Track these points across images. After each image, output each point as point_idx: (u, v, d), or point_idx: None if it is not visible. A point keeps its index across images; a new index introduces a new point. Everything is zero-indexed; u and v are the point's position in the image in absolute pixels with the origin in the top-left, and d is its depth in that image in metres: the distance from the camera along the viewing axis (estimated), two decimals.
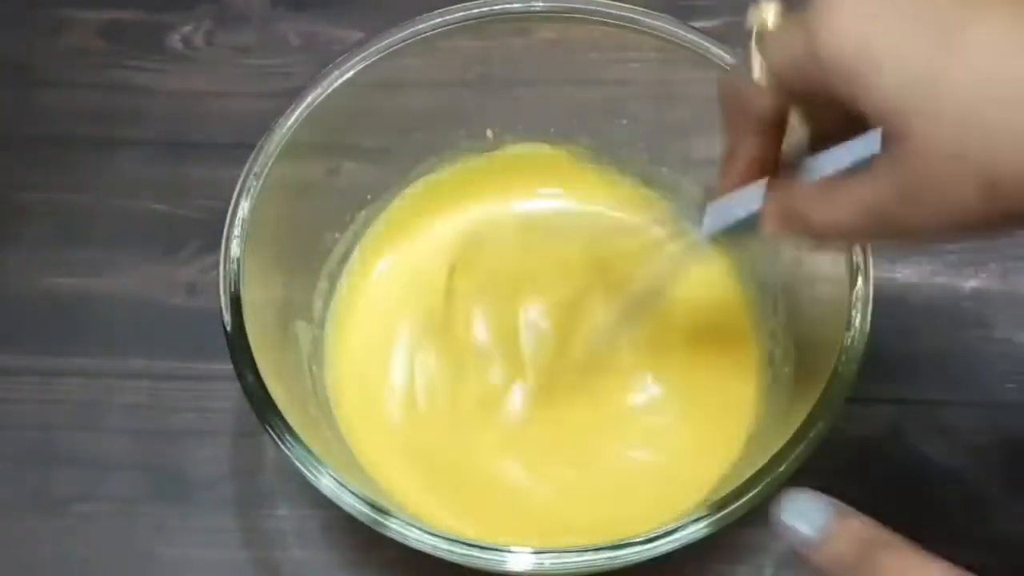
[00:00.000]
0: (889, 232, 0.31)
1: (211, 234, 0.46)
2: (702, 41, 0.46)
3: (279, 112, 0.46)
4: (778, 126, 0.35)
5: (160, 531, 0.50)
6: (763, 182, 0.36)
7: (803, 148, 0.36)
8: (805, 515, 0.33)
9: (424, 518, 0.41)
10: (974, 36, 0.28)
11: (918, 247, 0.31)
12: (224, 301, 0.42)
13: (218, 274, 0.42)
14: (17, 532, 0.50)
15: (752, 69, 0.33)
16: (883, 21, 0.29)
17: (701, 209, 0.39)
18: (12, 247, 0.57)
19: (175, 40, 0.63)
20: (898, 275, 0.55)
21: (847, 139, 0.33)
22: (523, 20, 0.48)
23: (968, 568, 0.32)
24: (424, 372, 0.49)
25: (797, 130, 0.36)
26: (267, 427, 0.40)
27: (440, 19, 0.48)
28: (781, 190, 0.36)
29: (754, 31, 0.34)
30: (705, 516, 0.38)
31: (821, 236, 0.34)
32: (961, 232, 0.30)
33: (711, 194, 0.39)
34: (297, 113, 0.46)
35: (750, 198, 0.37)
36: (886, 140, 0.30)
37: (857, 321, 0.41)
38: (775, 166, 0.36)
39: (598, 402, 0.48)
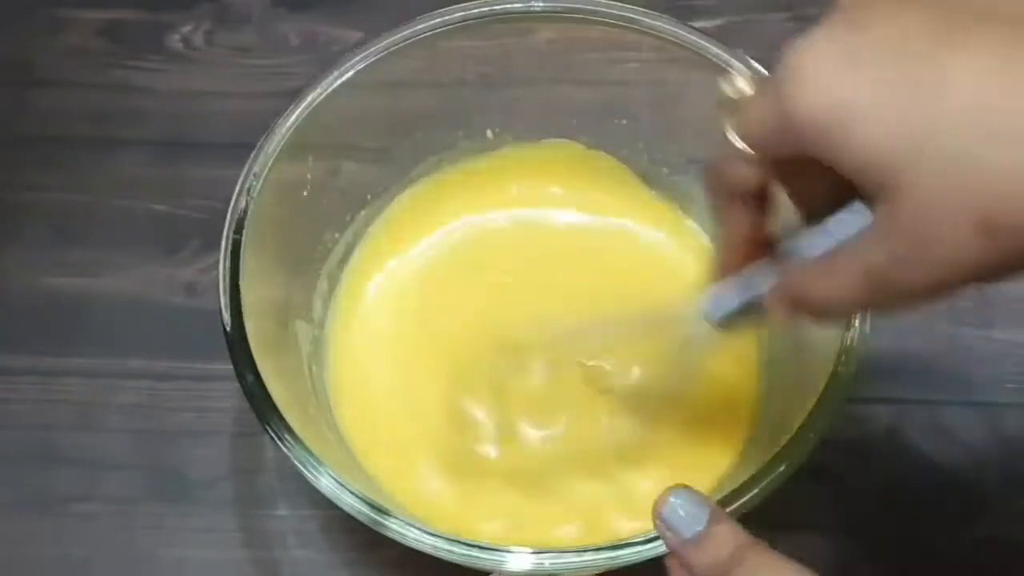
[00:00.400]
0: (890, 296, 0.30)
1: (211, 234, 0.46)
2: (702, 41, 0.46)
3: (279, 112, 0.46)
4: (766, 203, 0.34)
5: (160, 531, 0.50)
6: (759, 264, 0.36)
7: (794, 228, 0.35)
8: (684, 516, 0.35)
9: (424, 518, 0.41)
10: (956, 74, 0.26)
11: (920, 307, 0.30)
12: (224, 301, 0.42)
13: (218, 274, 0.42)
14: (17, 532, 0.50)
15: (730, 144, 0.33)
16: (854, 72, 0.28)
17: (703, 296, 0.38)
18: (12, 247, 0.57)
19: (175, 40, 0.63)
20: None
21: (837, 210, 0.32)
22: (523, 20, 0.48)
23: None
24: (424, 373, 0.49)
25: (787, 210, 0.35)
26: (267, 427, 0.40)
27: (440, 19, 0.48)
28: (778, 272, 0.35)
29: (726, 104, 0.33)
30: None
31: (823, 313, 0.33)
32: (962, 282, 0.28)
33: (709, 280, 0.38)
34: (297, 113, 0.46)
35: (749, 282, 0.36)
36: (873, 201, 0.29)
37: (857, 321, 0.41)
38: (767, 244, 0.35)
39: (598, 402, 0.47)
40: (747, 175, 0.33)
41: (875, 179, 0.28)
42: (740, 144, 0.32)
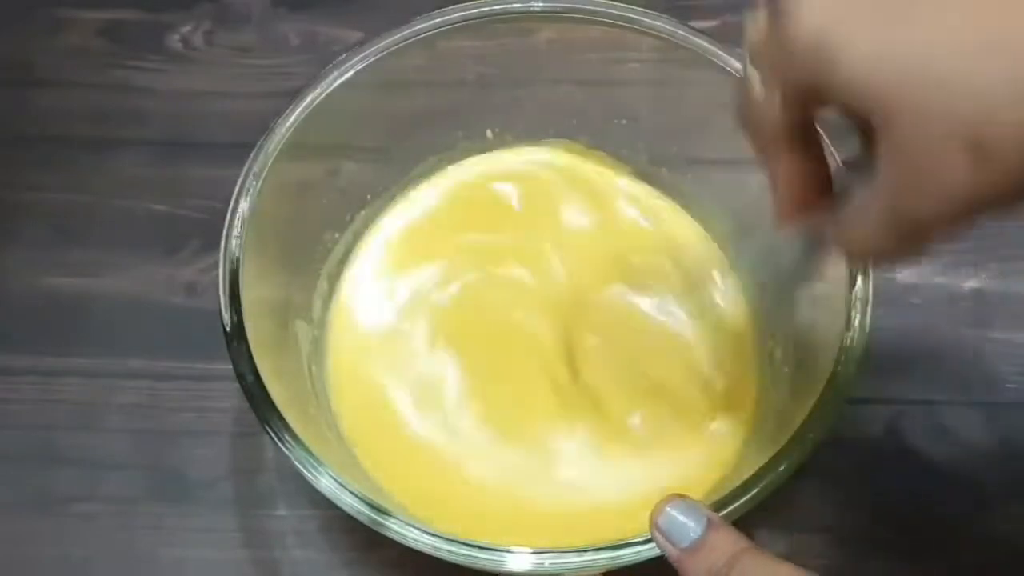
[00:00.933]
0: (909, 232, 0.30)
1: (211, 234, 0.46)
2: (702, 41, 0.46)
3: (279, 112, 0.46)
4: (804, 138, 0.33)
5: (160, 531, 0.50)
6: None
7: (851, 160, 0.34)
8: (681, 525, 0.35)
9: (423, 518, 0.41)
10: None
11: (950, 238, 0.29)
12: (224, 301, 0.42)
13: (218, 274, 0.42)
14: (17, 532, 0.50)
15: (755, 84, 0.33)
16: (844, 1, 0.28)
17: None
18: (12, 247, 0.57)
19: (175, 40, 0.63)
20: (898, 275, 0.55)
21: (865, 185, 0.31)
22: (523, 20, 0.48)
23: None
24: (423, 372, 0.49)
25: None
26: (266, 427, 0.40)
27: (440, 19, 0.48)
28: (823, 221, 0.34)
29: (747, 48, 0.33)
30: None
31: (870, 261, 0.33)
32: (967, 212, 0.28)
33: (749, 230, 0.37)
34: (297, 113, 0.46)
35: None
36: (875, 132, 0.29)
37: (857, 321, 0.41)
38: (826, 180, 0.35)
39: (597, 403, 0.47)
40: (772, 117, 0.33)
41: (866, 106, 0.28)
42: (755, 82, 0.32)
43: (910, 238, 0.30)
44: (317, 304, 0.50)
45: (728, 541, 0.35)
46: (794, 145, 0.33)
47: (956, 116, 0.27)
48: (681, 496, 0.36)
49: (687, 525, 0.35)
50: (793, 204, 0.35)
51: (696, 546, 0.35)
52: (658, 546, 0.36)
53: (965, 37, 0.26)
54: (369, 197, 0.52)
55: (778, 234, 0.36)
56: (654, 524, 0.36)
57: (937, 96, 0.27)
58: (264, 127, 0.46)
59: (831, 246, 0.35)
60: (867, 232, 0.31)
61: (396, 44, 0.47)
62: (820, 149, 0.34)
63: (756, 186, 0.48)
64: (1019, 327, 0.54)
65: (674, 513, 0.36)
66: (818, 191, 0.34)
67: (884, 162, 0.29)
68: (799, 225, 0.35)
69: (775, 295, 0.39)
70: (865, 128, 0.30)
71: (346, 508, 0.39)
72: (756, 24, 0.32)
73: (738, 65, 0.45)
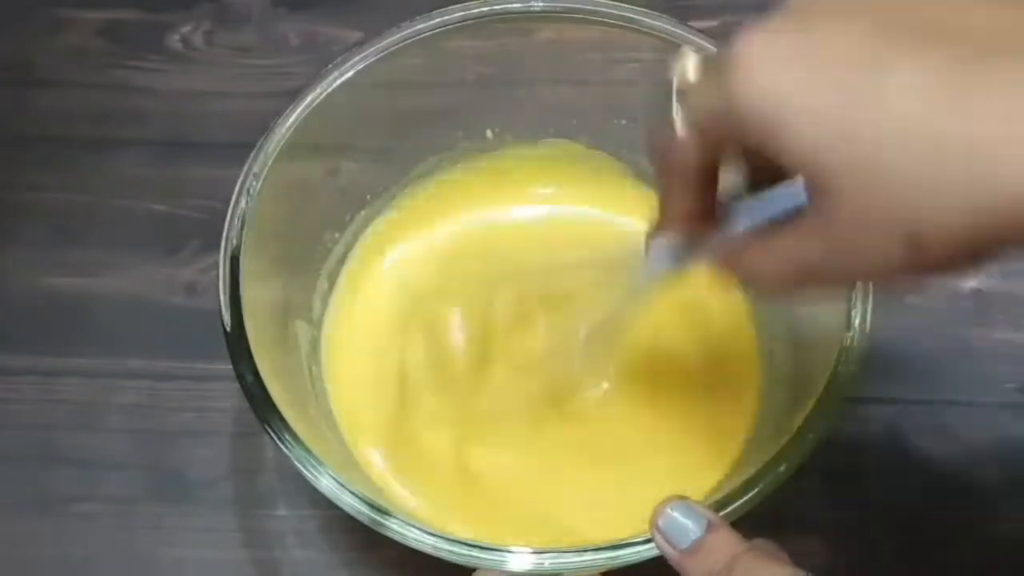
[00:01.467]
0: (817, 282, 0.31)
1: (211, 234, 0.46)
2: (702, 41, 0.46)
3: (279, 112, 0.46)
4: (708, 178, 0.34)
5: (160, 531, 0.50)
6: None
7: (736, 191, 0.35)
8: (681, 526, 0.35)
9: (423, 518, 0.41)
10: (897, 81, 0.26)
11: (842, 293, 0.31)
12: (224, 301, 0.42)
13: (218, 274, 0.42)
14: (17, 532, 0.50)
15: (677, 122, 0.33)
16: (798, 69, 0.27)
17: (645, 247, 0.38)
18: (12, 247, 0.57)
19: (175, 40, 0.63)
20: None
21: (778, 183, 0.33)
22: (523, 20, 0.48)
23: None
24: (423, 373, 0.49)
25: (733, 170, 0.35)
26: (267, 427, 0.40)
27: (440, 19, 0.48)
28: (716, 237, 0.35)
29: (675, 83, 0.33)
30: None
31: (750, 285, 0.34)
32: (888, 283, 0.29)
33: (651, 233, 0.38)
34: (297, 113, 0.46)
35: (689, 242, 0.36)
36: (811, 192, 0.29)
37: (857, 321, 0.41)
38: (710, 214, 0.35)
39: (598, 404, 0.47)
40: (692, 158, 0.33)
41: (810, 178, 0.28)
42: (684, 125, 0.32)
43: (813, 285, 0.31)
44: (317, 304, 0.50)
45: (728, 543, 0.35)
46: (696, 184, 0.34)
47: (898, 211, 0.27)
48: (682, 498, 0.36)
49: (687, 526, 0.35)
50: (677, 225, 0.35)
51: (695, 548, 0.35)
52: (658, 547, 0.36)
53: (922, 130, 0.26)
54: (369, 197, 0.52)
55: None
56: (654, 525, 0.36)
57: (883, 187, 0.27)
58: (264, 127, 0.46)
59: (708, 259, 0.35)
60: (764, 266, 0.32)
61: (396, 44, 0.47)
62: (716, 187, 0.34)
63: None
64: (1019, 327, 0.54)
65: (674, 514, 0.36)
66: (704, 220, 0.35)
67: (816, 225, 0.29)
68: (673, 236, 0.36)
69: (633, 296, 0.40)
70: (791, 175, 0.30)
71: (346, 508, 0.39)
72: (690, 65, 0.32)
73: (689, 46, 0.45)
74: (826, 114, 0.27)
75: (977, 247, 0.26)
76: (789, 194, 0.32)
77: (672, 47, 0.47)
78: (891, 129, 0.26)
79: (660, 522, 0.36)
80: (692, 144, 0.32)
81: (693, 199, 0.34)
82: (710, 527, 0.35)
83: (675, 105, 0.33)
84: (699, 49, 0.44)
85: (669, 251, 0.37)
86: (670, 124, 0.32)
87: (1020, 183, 0.25)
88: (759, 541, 0.36)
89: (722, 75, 0.29)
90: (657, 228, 0.37)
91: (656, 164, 0.35)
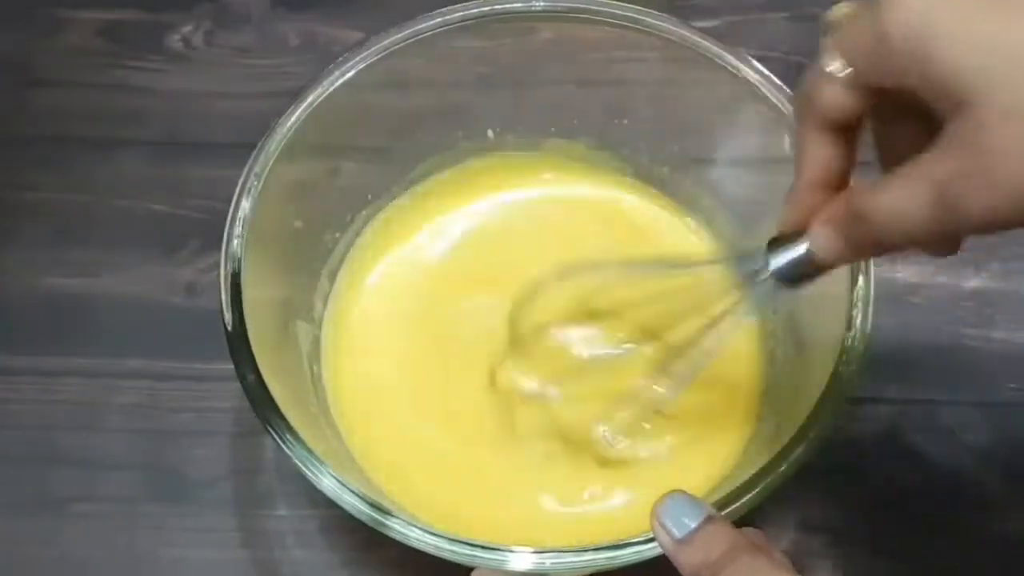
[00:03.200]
0: (948, 214, 0.30)
1: (211, 234, 0.46)
2: (703, 41, 0.46)
3: (279, 112, 0.46)
4: (853, 131, 0.34)
5: (160, 531, 0.50)
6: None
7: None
8: (679, 517, 0.36)
9: (423, 518, 0.41)
10: None
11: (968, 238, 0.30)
12: (224, 301, 0.42)
13: (218, 274, 0.42)
14: (17, 532, 0.50)
15: (826, 68, 0.33)
16: None
17: (760, 252, 0.37)
18: (12, 247, 0.57)
19: (175, 40, 0.63)
20: (898, 275, 0.55)
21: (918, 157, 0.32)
22: (523, 20, 0.48)
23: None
24: (423, 372, 0.49)
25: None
26: (268, 427, 0.40)
27: (440, 19, 0.48)
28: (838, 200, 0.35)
29: (828, 27, 0.34)
30: None
31: (884, 236, 0.33)
32: (1016, 214, 0.29)
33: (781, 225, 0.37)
34: (297, 113, 0.46)
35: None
36: (946, 122, 0.30)
37: (858, 321, 0.41)
38: (844, 181, 0.35)
39: (599, 404, 0.47)
40: (839, 101, 0.33)
41: (952, 96, 0.29)
42: (834, 66, 0.33)
43: (942, 224, 0.30)
44: (318, 304, 0.50)
45: (725, 536, 0.35)
46: (841, 135, 0.34)
47: None
48: (683, 491, 0.37)
49: (685, 516, 0.36)
50: (813, 190, 0.35)
51: (691, 537, 0.35)
52: (656, 537, 0.36)
53: None
54: (369, 197, 0.52)
55: (780, 231, 0.37)
56: (655, 514, 0.36)
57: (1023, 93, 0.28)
58: (264, 127, 0.46)
59: (829, 226, 0.35)
60: (902, 203, 0.31)
61: (396, 44, 0.47)
62: (856, 146, 0.35)
63: (757, 186, 0.48)
64: (1020, 327, 0.54)
65: (675, 505, 0.36)
66: (837, 186, 0.35)
67: (949, 144, 0.30)
68: (803, 220, 0.36)
69: (770, 296, 0.39)
70: (923, 110, 0.31)
71: (348, 508, 0.39)
72: (844, 11, 0.32)
73: (737, 63, 0.45)
74: (978, 36, 0.29)
75: None
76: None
77: (672, 46, 0.47)
78: None
79: (660, 510, 0.36)
80: (842, 84, 0.33)
81: (833, 151, 0.34)
82: (708, 519, 0.35)
83: (826, 50, 0.33)
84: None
85: (796, 248, 0.36)
86: (821, 71, 0.33)
87: None
88: (748, 530, 0.37)
89: (875, 7, 0.30)
90: (791, 199, 0.36)
91: (800, 120, 0.35)
